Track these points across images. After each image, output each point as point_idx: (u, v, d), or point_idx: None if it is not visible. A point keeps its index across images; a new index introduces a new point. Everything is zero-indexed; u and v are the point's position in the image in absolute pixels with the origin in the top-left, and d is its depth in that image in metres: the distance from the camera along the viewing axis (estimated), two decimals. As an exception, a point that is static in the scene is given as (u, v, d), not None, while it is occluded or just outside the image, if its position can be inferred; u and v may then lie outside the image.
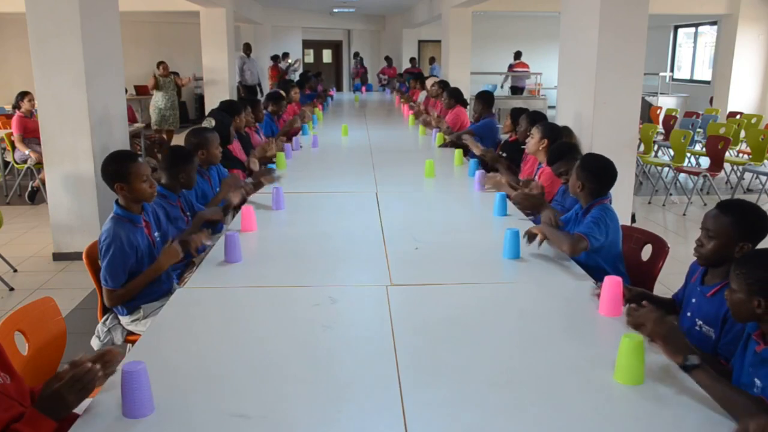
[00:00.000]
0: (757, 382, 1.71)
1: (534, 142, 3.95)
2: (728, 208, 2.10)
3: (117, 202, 2.68)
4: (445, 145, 5.86)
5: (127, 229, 2.61)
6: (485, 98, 6.08)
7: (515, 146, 4.89)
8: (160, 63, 9.65)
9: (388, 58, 16.66)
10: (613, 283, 2.21)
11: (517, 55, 14.86)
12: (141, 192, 2.65)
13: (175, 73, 9.54)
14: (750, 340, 1.80)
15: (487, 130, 5.81)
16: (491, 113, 6.07)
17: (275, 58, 13.83)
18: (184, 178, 3.18)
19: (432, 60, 16.24)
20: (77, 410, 1.59)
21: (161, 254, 2.70)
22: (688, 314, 2.20)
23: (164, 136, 9.51)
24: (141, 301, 2.70)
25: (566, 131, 4.11)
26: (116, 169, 2.63)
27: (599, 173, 2.84)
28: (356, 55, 18.16)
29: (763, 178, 7.49)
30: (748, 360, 1.78)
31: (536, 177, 3.99)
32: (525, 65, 14.59)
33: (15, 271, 4.80)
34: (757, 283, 1.70)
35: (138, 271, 2.64)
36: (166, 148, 3.34)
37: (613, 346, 1.84)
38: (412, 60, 15.94)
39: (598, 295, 2.27)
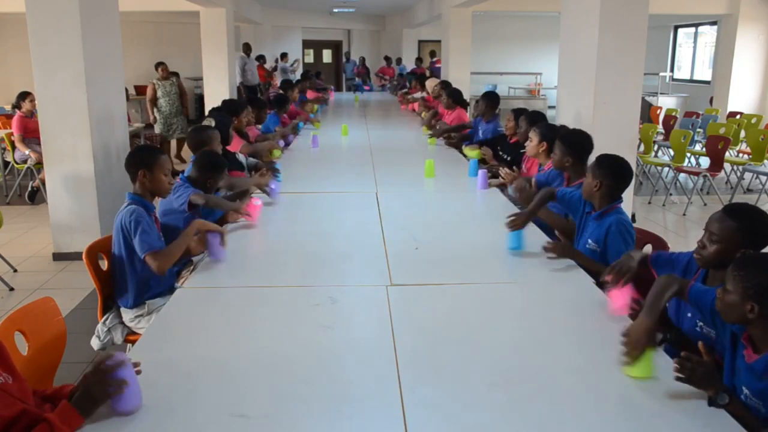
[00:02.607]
0: (745, 390, 1.71)
1: (533, 145, 3.95)
2: (735, 212, 2.03)
3: (130, 192, 2.74)
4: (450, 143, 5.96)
5: (143, 209, 2.67)
6: (491, 99, 5.90)
7: (516, 147, 4.88)
8: (158, 64, 8.56)
9: (387, 58, 16.64)
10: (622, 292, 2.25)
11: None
12: (160, 183, 2.76)
13: (176, 74, 9.08)
14: (739, 343, 1.78)
15: (494, 134, 5.72)
16: (496, 115, 5.91)
17: (260, 59, 13.82)
18: (211, 184, 3.32)
19: (433, 53, 16.12)
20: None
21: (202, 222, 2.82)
22: (689, 315, 2.20)
23: (170, 141, 8.80)
24: (146, 297, 2.72)
25: (563, 130, 4.10)
26: (144, 157, 2.76)
27: (617, 170, 2.78)
28: (348, 55, 18.20)
29: (763, 178, 7.49)
30: (739, 363, 1.77)
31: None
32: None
33: (15, 271, 4.80)
34: (755, 287, 1.65)
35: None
36: (206, 151, 3.47)
37: (615, 341, 1.85)
38: (417, 60, 15.91)
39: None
